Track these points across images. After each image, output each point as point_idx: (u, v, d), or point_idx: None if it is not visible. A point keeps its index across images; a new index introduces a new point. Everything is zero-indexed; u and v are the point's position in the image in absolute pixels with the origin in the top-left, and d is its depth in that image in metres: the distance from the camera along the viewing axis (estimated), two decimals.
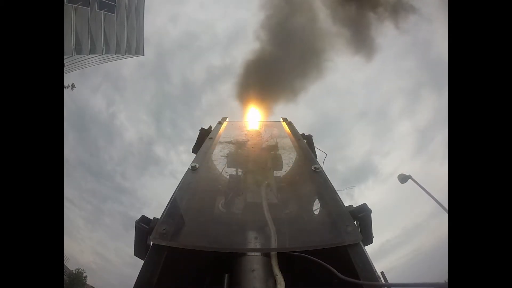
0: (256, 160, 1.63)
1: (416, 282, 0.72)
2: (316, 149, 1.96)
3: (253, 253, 0.86)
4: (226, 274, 0.83)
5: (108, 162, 44.30)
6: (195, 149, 1.93)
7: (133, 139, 48.65)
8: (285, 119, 2.31)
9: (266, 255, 0.86)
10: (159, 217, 0.95)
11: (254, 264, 0.83)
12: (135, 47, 25.82)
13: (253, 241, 0.88)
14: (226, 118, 2.39)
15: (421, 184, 8.86)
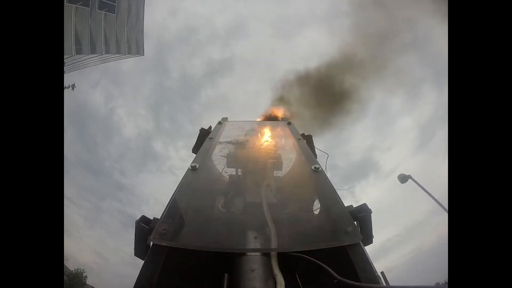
0: (256, 160, 1.63)
1: (416, 285, 0.72)
2: (316, 149, 1.97)
3: (253, 253, 0.86)
4: (226, 274, 0.83)
5: (107, 159, 44.00)
6: (195, 149, 1.94)
7: (131, 134, 48.31)
8: (285, 119, 2.32)
9: (266, 255, 0.86)
10: (159, 217, 0.95)
11: (254, 264, 0.83)
12: (135, 47, 25.84)
13: (253, 241, 0.88)
14: (226, 118, 2.39)
15: (422, 182, 8.90)
